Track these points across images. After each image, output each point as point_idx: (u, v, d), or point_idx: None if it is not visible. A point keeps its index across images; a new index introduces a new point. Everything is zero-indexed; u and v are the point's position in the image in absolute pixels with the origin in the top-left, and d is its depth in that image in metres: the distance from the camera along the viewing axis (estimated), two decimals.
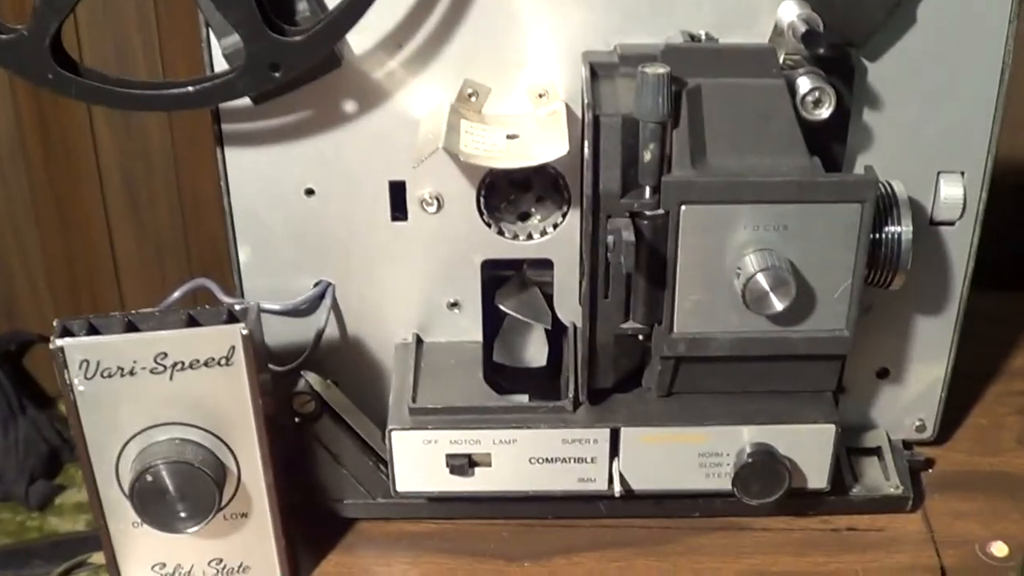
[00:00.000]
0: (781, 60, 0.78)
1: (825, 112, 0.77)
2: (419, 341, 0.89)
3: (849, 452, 0.93)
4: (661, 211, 0.75)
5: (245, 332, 0.76)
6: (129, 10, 1.88)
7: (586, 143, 0.75)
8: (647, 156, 0.74)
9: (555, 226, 0.85)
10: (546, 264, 0.87)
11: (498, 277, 0.90)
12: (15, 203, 2.06)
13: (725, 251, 0.76)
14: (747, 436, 0.83)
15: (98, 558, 2.03)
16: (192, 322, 0.77)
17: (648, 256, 0.76)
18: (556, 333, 0.89)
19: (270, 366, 0.86)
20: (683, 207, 0.75)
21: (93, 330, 0.77)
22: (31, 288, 2.15)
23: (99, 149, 2.02)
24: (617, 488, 0.84)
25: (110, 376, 0.77)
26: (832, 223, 0.76)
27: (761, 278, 0.75)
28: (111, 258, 2.12)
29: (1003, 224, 0.98)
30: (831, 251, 0.77)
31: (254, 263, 0.87)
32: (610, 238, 0.75)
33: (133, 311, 0.78)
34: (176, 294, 0.86)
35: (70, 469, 2.16)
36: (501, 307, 0.88)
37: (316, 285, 0.88)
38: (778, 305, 0.76)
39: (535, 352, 0.90)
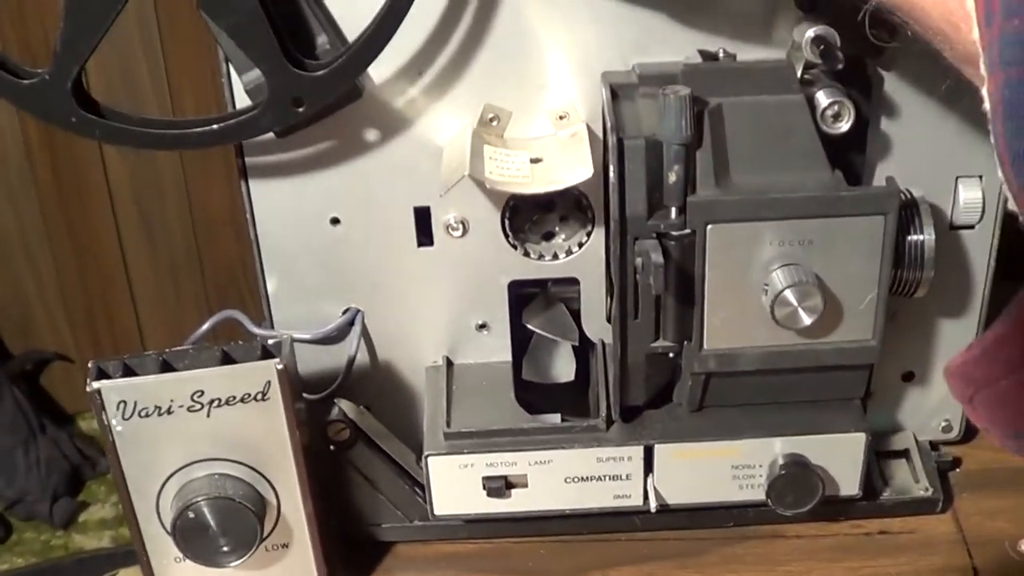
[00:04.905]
0: (799, 75, 0.78)
1: (845, 126, 0.78)
2: (449, 364, 0.90)
3: (878, 455, 0.94)
4: (688, 231, 0.76)
5: (280, 367, 0.77)
6: (134, 41, 1.89)
7: (611, 167, 0.76)
8: (672, 178, 0.75)
9: (580, 244, 0.86)
10: (570, 280, 0.88)
11: (524, 295, 0.90)
12: (27, 227, 2.08)
13: (752, 267, 0.77)
14: (779, 447, 0.84)
15: (125, 574, 2.04)
16: (227, 358, 0.78)
17: (677, 276, 0.77)
18: (583, 348, 0.90)
19: (303, 395, 0.86)
20: (709, 226, 0.76)
21: (128, 371, 0.78)
22: (45, 309, 2.16)
23: (109, 172, 2.03)
24: (653, 504, 0.85)
25: (147, 416, 0.78)
26: (856, 236, 0.77)
27: (789, 294, 0.75)
28: (125, 278, 2.13)
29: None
30: (856, 263, 0.78)
31: (282, 292, 0.88)
32: (638, 260, 0.76)
33: (167, 349, 0.79)
34: (205, 326, 0.87)
35: (92, 486, 2.18)
36: (528, 326, 0.89)
37: (345, 312, 0.88)
38: (807, 320, 0.76)
39: (563, 368, 0.91)
